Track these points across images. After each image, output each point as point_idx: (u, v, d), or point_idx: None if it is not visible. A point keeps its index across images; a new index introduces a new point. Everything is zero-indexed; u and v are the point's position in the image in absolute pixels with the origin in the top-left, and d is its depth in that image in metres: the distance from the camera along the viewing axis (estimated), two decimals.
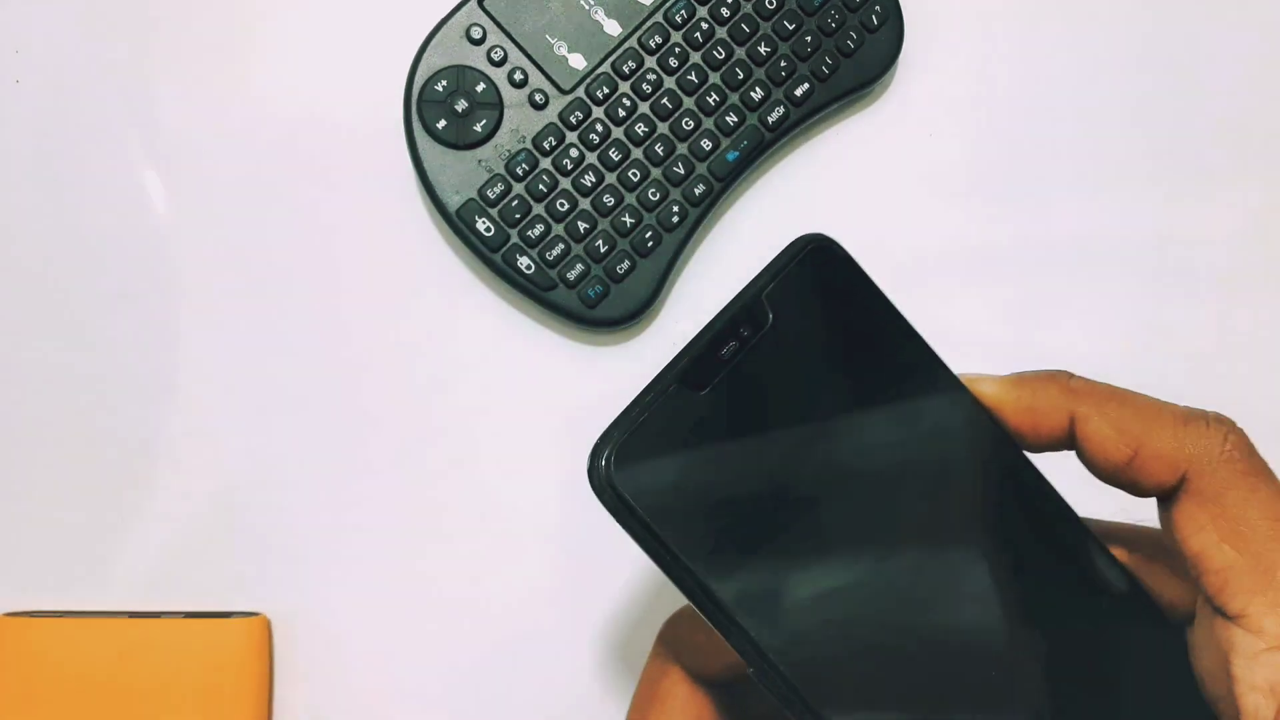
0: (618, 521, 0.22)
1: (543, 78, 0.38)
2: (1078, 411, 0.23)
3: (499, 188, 0.37)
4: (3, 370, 0.39)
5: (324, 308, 0.39)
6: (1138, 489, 0.23)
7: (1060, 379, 0.24)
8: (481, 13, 0.38)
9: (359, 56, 0.39)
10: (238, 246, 0.39)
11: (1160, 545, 0.25)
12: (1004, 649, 0.24)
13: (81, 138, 0.39)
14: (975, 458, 0.24)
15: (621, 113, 0.38)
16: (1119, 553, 0.25)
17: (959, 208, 0.40)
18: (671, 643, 0.27)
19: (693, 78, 0.38)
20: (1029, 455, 0.25)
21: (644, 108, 0.38)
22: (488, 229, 0.37)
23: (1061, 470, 0.25)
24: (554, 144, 0.37)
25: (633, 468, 0.22)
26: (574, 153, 0.37)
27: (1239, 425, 0.23)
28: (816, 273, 0.24)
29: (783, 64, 0.38)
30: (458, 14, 0.38)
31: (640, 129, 0.38)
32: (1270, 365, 0.40)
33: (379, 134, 0.39)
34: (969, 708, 0.24)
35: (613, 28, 0.38)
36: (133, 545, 0.38)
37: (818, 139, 0.40)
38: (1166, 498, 0.23)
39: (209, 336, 0.39)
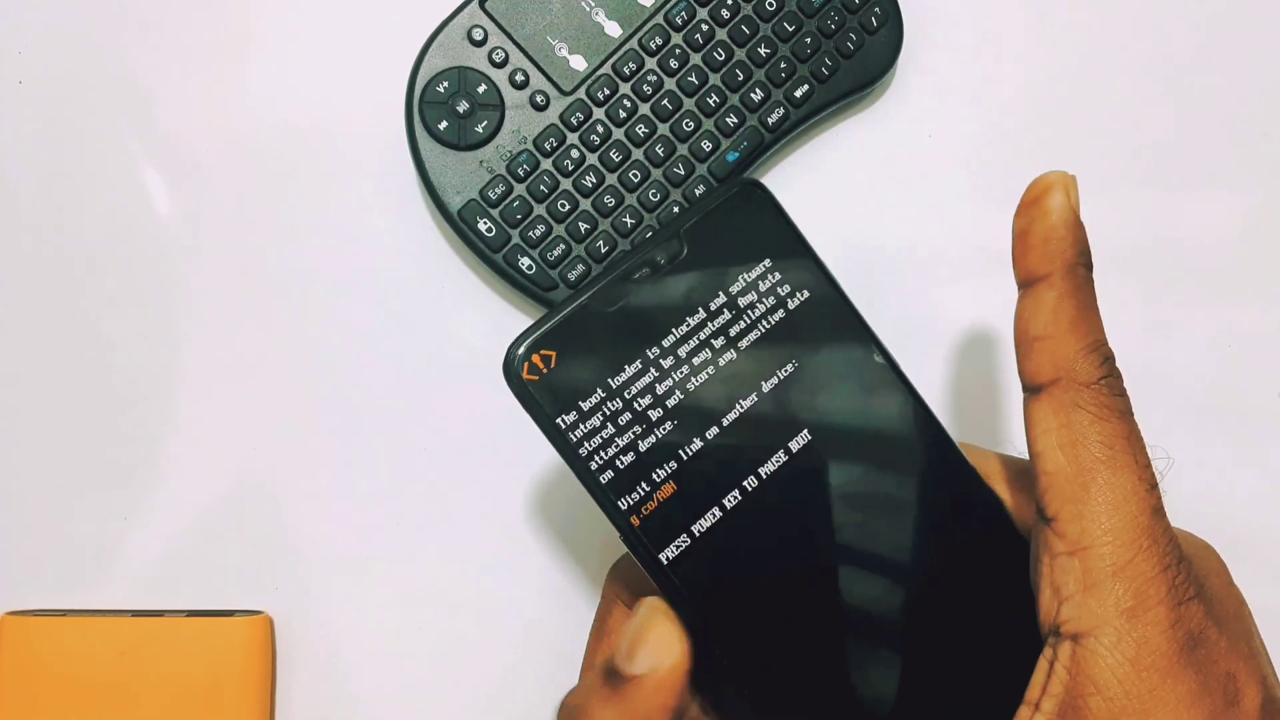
0: (522, 406, 0.26)
1: (544, 79, 0.38)
2: (1047, 277, 0.26)
3: (500, 188, 0.37)
4: (4, 370, 0.39)
5: (325, 308, 0.39)
6: (1022, 371, 0.26)
7: (1068, 239, 0.27)
8: (483, 14, 0.38)
9: (361, 58, 0.40)
10: (239, 247, 0.39)
11: (1027, 475, 0.28)
12: (862, 551, 0.27)
13: (85, 139, 0.39)
14: (861, 384, 0.28)
15: (622, 114, 0.38)
16: (1000, 483, 0.28)
17: (959, 208, 0.40)
18: (614, 584, 0.31)
19: (693, 79, 0.38)
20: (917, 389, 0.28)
21: (644, 109, 0.38)
22: (489, 229, 0.37)
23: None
24: (555, 145, 0.37)
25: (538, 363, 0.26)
26: (575, 154, 0.38)
27: (1127, 390, 0.26)
28: (737, 214, 0.27)
29: (783, 65, 0.38)
30: (459, 15, 0.38)
31: (641, 130, 0.38)
32: (1270, 365, 0.40)
33: (381, 135, 0.39)
34: (819, 596, 0.27)
35: (613, 29, 0.38)
36: (135, 544, 0.38)
37: (818, 140, 0.40)
38: (1035, 392, 0.26)
39: (210, 336, 0.39)
